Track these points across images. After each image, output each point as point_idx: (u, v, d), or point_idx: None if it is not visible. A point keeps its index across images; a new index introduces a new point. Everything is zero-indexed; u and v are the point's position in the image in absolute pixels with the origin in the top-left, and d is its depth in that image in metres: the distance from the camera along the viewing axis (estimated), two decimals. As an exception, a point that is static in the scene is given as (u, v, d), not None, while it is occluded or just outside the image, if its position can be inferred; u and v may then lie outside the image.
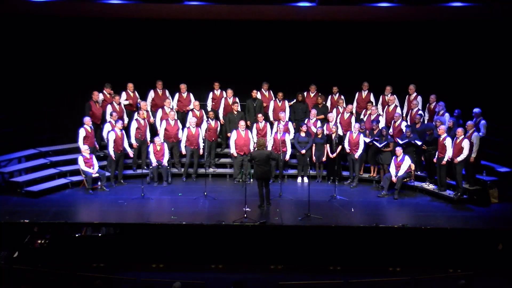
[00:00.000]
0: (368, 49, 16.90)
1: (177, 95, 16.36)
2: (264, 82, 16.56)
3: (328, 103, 16.50)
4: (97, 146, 15.48)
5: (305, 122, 15.65)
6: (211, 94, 16.46)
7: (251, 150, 14.71)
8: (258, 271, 11.84)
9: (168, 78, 16.72)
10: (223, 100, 16.27)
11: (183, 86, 16.33)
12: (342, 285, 10.58)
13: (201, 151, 15.48)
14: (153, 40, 16.86)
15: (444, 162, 14.02)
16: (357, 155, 14.99)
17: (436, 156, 14.27)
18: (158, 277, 11.27)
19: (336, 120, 15.77)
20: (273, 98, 16.41)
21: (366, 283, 10.76)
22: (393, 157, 14.56)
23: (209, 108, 16.23)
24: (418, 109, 15.67)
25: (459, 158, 13.74)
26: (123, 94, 16.16)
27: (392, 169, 14.48)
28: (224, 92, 16.39)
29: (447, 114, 15.14)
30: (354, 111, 16.22)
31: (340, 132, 15.47)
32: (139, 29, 16.65)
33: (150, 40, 16.84)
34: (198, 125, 15.62)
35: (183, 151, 15.43)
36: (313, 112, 15.79)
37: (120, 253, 12.20)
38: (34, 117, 16.56)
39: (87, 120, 15.05)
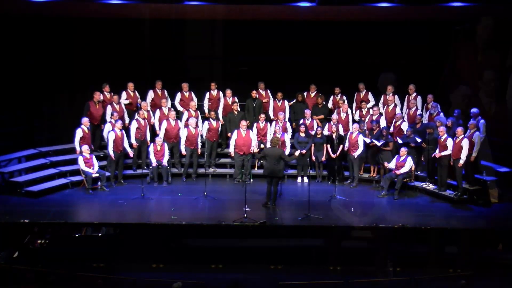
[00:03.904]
0: (368, 49, 16.90)
1: (179, 94, 16.35)
2: (259, 81, 16.54)
3: (330, 104, 16.50)
4: (92, 147, 15.43)
5: (301, 122, 15.64)
6: (207, 94, 16.45)
7: (265, 147, 14.70)
8: (258, 271, 11.84)
9: (168, 78, 16.73)
10: (222, 100, 16.27)
11: (185, 85, 16.32)
12: (342, 285, 10.59)
13: (199, 151, 15.47)
14: (153, 40, 16.86)
15: (442, 155, 13.96)
16: (356, 154, 14.96)
17: (436, 152, 14.19)
18: (158, 277, 11.28)
19: (337, 121, 15.76)
20: (270, 97, 16.42)
21: (366, 283, 10.77)
22: (396, 156, 14.55)
23: (205, 109, 16.23)
24: (417, 109, 15.68)
25: (461, 161, 13.73)
26: (123, 94, 16.15)
27: (391, 165, 14.47)
28: (220, 92, 16.40)
29: (442, 114, 15.16)
30: (354, 111, 16.24)
31: (341, 132, 15.47)
32: (139, 29, 16.64)
33: (150, 40, 16.84)
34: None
35: (183, 152, 15.40)
36: (307, 112, 15.77)
37: (120, 253, 12.20)
38: (34, 117, 16.56)
39: (85, 120, 15.03)
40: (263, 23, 16.55)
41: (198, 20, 16.38)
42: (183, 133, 15.40)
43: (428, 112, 15.41)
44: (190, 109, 15.82)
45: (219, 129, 15.97)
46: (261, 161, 13.92)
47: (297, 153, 14.39)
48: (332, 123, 15.38)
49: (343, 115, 15.87)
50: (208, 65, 17.19)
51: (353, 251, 12.17)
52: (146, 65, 16.90)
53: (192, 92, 16.40)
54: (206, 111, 16.12)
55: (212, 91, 16.44)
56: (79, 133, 14.88)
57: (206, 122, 15.72)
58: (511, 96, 15.49)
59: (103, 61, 16.73)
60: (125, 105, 16.14)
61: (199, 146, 15.47)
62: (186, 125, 15.45)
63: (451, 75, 16.05)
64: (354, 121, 15.83)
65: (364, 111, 15.84)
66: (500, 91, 15.64)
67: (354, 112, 16.28)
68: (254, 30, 16.82)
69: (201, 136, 15.65)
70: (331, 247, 12.18)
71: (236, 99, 16.20)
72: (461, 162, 13.75)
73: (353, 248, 12.21)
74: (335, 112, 15.98)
